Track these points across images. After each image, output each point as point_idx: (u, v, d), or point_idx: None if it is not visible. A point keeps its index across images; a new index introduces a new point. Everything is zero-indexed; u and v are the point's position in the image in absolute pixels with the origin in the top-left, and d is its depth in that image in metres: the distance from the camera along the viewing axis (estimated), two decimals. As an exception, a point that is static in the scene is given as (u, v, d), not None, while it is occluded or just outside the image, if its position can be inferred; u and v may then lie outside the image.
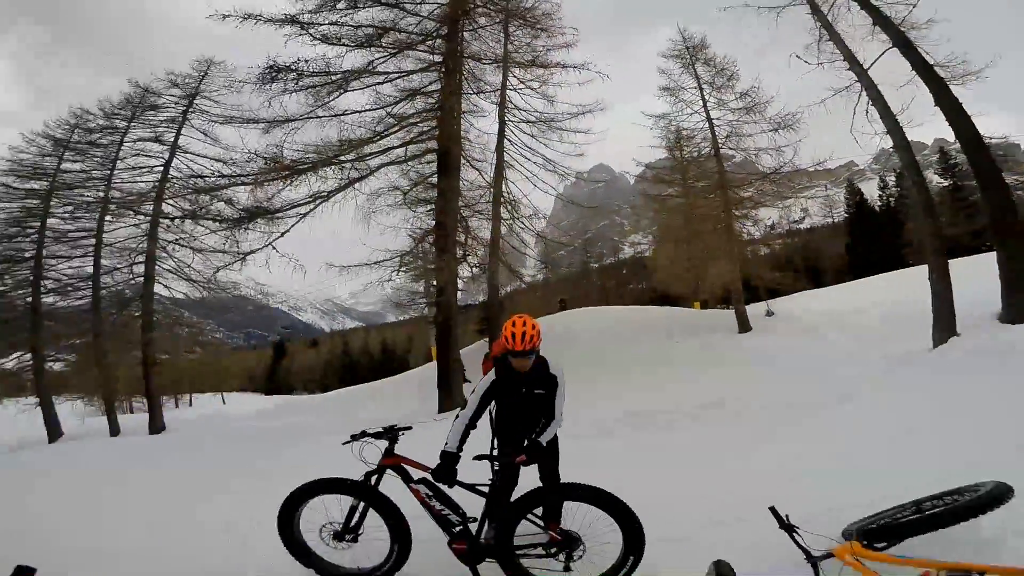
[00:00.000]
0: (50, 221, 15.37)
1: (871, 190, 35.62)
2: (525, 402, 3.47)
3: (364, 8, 11.08)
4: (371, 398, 14.89)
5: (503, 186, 13.12)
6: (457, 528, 3.37)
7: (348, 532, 3.45)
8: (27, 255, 15.20)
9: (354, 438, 3.56)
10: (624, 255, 52.17)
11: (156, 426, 15.32)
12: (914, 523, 2.76)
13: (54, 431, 15.19)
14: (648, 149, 15.56)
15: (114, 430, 15.29)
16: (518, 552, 3.28)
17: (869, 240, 31.02)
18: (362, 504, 3.47)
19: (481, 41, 12.52)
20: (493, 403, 3.54)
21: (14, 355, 15.92)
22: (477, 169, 13.00)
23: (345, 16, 10.91)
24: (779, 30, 10.45)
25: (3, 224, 15.35)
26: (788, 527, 2.86)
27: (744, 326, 13.94)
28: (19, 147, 15.50)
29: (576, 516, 3.26)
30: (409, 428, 3.71)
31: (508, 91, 13.07)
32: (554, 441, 3.59)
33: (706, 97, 14.47)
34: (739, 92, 14.06)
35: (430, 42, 11.66)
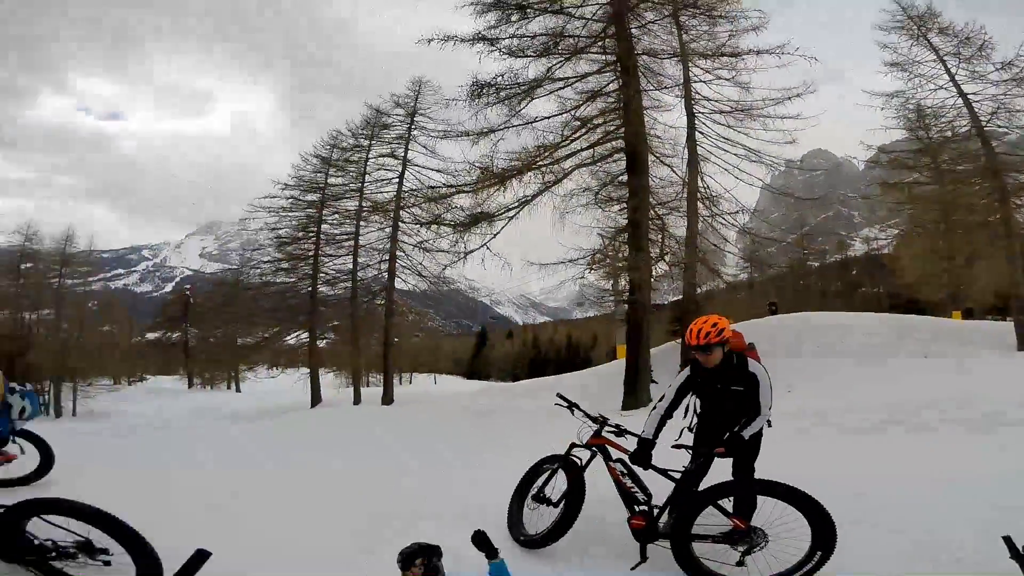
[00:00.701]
0: (323, 227, 19.81)
1: None
2: (720, 397, 3.61)
3: (534, 18, 11.69)
4: (559, 389, 15.47)
5: (698, 180, 12.33)
6: (641, 507, 3.63)
7: (541, 495, 4.02)
8: (309, 254, 19.84)
9: (567, 404, 4.19)
10: (854, 252, 43.65)
11: (388, 398, 18.36)
12: None
13: (316, 398, 19.47)
14: (880, 131, 13.07)
15: (356, 400, 18.87)
16: (694, 538, 3.36)
17: None
18: (559, 470, 3.97)
19: (653, 36, 12.13)
20: (694, 396, 3.76)
21: (295, 333, 20.96)
22: (668, 165, 12.53)
23: (520, 28, 11.68)
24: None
25: (292, 229, 20.28)
26: (1021, 558, 2.41)
27: (1027, 341, 10.72)
28: (299, 165, 20.05)
29: (761, 513, 3.33)
30: (616, 424, 4.02)
31: (693, 83, 12.20)
32: (757, 436, 3.62)
33: (952, 70, 11.96)
34: (1000, 62, 11.50)
35: (600, 43, 11.73)
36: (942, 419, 6.61)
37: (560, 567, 3.58)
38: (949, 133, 12.41)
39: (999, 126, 11.72)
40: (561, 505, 3.87)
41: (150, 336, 40.29)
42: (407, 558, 2.69)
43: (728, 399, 3.57)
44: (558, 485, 4.01)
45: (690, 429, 3.85)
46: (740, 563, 3.28)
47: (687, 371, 3.71)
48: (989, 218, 11.84)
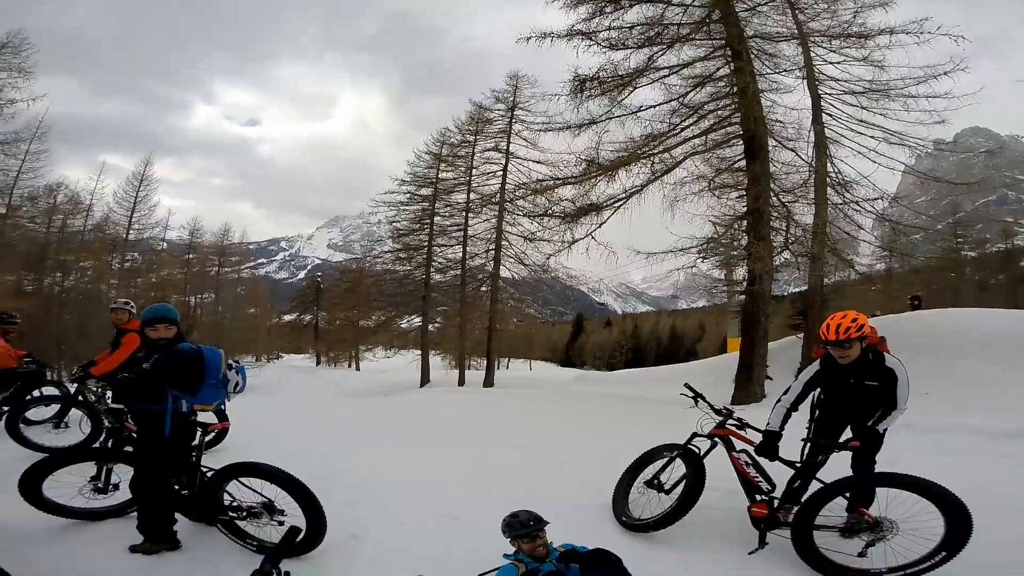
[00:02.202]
0: (436, 219, 21.06)
1: None
2: (853, 392, 3.58)
3: (630, 8, 11.15)
4: (661, 380, 15.07)
5: (828, 165, 11.17)
6: (763, 497, 3.72)
7: (656, 482, 4.17)
8: (423, 244, 21.24)
9: (693, 393, 4.34)
10: (1022, 241, 36.87)
11: (489, 380, 19.19)
12: None
13: (425, 378, 20.88)
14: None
15: (461, 381, 19.91)
16: (817, 528, 3.38)
17: None
18: (678, 459, 4.10)
19: (764, 17, 11.05)
20: (819, 390, 3.77)
21: (408, 318, 22.57)
22: (792, 149, 11.42)
23: (616, 19, 11.21)
24: None
25: (409, 221, 21.78)
26: None
27: None
28: (413, 162, 21.52)
29: (888, 507, 3.29)
30: (739, 418, 4.13)
31: (816, 64, 10.95)
32: (876, 434, 3.57)
33: None
34: None
35: (706, 28, 10.96)
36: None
37: (670, 551, 3.65)
38: None
39: None
40: (676, 492, 3.96)
41: (286, 318, 45.57)
42: (517, 532, 2.90)
43: (862, 394, 3.53)
44: (673, 474, 4.11)
45: (807, 430, 3.87)
46: (862, 554, 3.28)
47: (816, 365, 3.72)
48: None
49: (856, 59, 10.74)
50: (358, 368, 39.41)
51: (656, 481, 4.15)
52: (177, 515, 3.49)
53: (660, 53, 11.33)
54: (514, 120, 19.49)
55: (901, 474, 3.28)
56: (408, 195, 21.53)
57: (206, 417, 3.90)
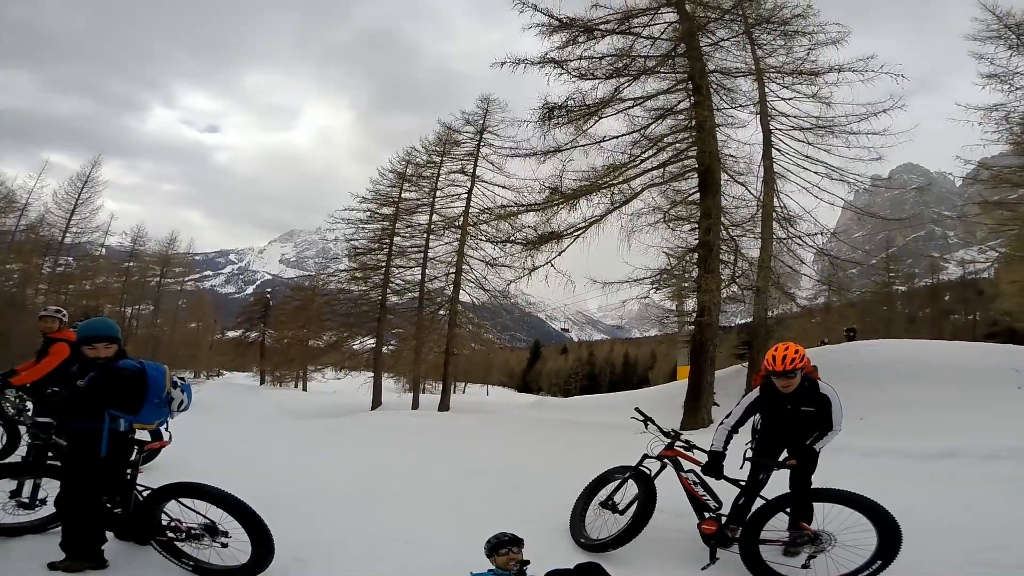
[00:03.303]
0: (395, 239, 20.75)
1: None
2: (790, 417, 3.84)
3: (602, 39, 11.56)
4: (615, 406, 15.27)
5: (774, 200, 11.88)
6: (711, 514, 3.93)
7: (610, 503, 4.30)
8: (381, 264, 20.85)
9: (643, 418, 4.49)
10: (947, 276, 40.01)
11: (444, 404, 18.64)
12: None
13: (376, 400, 20.19)
14: (979, 146, 12.14)
15: (415, 404, 19.36)
16: (762, 542, 3.62)
17: None
18: (630, 480, 4.24)
19: (725, 52, 11.75)
20: (758, 415, 4.04)
21: (362, 339, 21.94)
22: (742, 184, 12.06)
23: (587, 49, 11.60)
24: None
25: (368, 240, 21.40)
26: None
27: None
28: (376, 180, 21.15)
29: (825, 520, 3.56)
30: (690, 444, 4.31)
31: (770, 100, 11.74)
32: (815, 453, 3.87)
33: None
34: None
35: (670, 62, 11.51)
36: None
37: (627, 570, 3.69)
38: (1060, 147, 11.37)
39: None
40: (629, 512, 4.11)
41: (231, 334, 43.41)
42: (495, 546, 3.02)
43: (799, 419, 3.81)
44: (627, 494, 4.23)
45: (748, 450, 4.10)
46: (806, 566, 3.50)
47: (756, 392, 3.99)
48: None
49: (806, 95, 11.52)
50: (305, 389, 37.86)
51: (610, 502, 4.28)
52: (108, 535, 3.27)
53: (626, 84, 11.73)
54: (482, 143, 19.45)
55: (836, 489, 3.57)
56: (368, 213, 21.18)
57: (144, 435, 3.65)
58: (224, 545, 3.26)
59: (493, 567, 3.04)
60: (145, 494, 3.37)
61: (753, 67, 11.67)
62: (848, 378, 10.16)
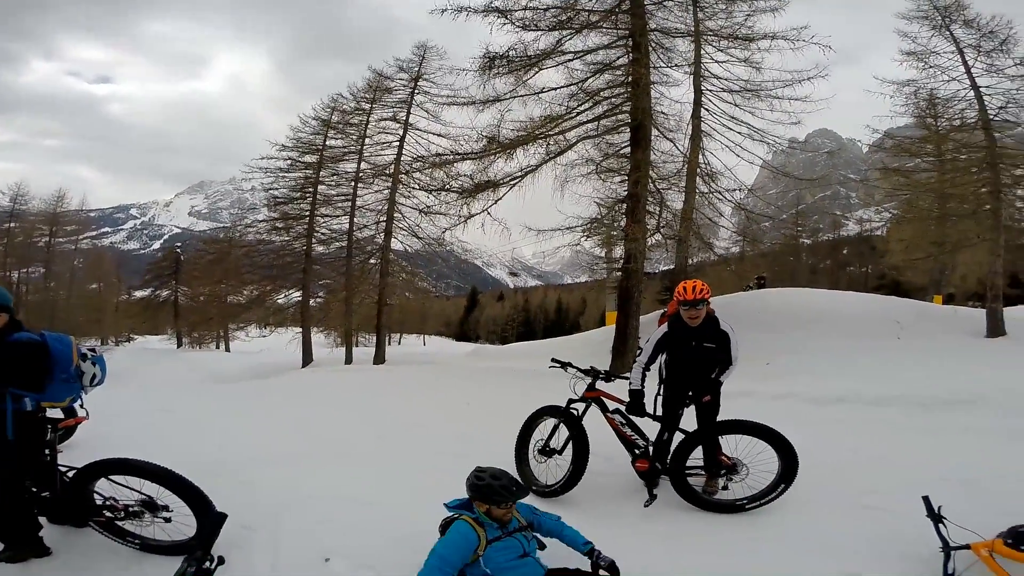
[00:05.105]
0: (320, 188, 19.62)
1: None
2: (695, 354, 4.14)
3: None
4: (551, 352, 15.82)
5: (700, 156, 12.42)
6: (640, 451, 4.22)
7: (548, 448, 4.45)
8: (305, 214, 19.74)
9: (560, 364, 4.71)
10: (846, 232, 44.15)
11: (380, 357, 18.44)
12: None
13: (307, 357, 19.68)
14: (888, 117, 13.13)
15: (348, 359, 19.05)
16: (688, 473, 4.02)
17: None
18: (562, 424, 4.43)
19: (667, 12, 11.85)
20: (664, 354, 4.30)
21: (287, 292, 20.95)
22: (671, 140, 12.46)
23: (532, 0, 11.36)
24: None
25: (289, 189, 20.07)
26: (936, 517, 2.91)
27: (996, 330, 11.30)
28: (298, 127, 19.70)
29: (738, 448, 4.02)
30: (608, 374, 4.64)
31: (704, 61, 12.01)
32: (719, 394, 4.24)
33: (969, 63, 11.93)
34: (1021, 57, 11.54)
35: (613, 17, 11.52)
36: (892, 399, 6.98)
37: (577, 512, 3.87)
38: (957, 122, 12.42)
39: (1007, 120, 11.80)
40: (568, 453, 4.32)
41: (138, 294, 39.93)
42: (488, 492, 2.75)
43: (702, 354, 4.13)
44: (560, 437, 4.45)
45: (657, 395, 4.40)
46: (724, 487, 4.02)
47: (664, 328, 4.26)
48: (981, 208, 12.03)
49: (739, 59, 11.85)
50: (228, 349, 36.01)
51: (548, 448, 4.46)
52: (43, 520, 3.13)
53: (568, 37, 11.63)
54: (417, 91, 18.52)
55: (744, 420, 4.00)
56: (290, 162, 19.77)
57: (56, 412, 3.39)
58: (168, 520, 3.17)
59: (480, 514, 2.73)
60: (70, 474, 3.19)
61: (692, 28, 11.82)
62: (757, 324, 11.25)
